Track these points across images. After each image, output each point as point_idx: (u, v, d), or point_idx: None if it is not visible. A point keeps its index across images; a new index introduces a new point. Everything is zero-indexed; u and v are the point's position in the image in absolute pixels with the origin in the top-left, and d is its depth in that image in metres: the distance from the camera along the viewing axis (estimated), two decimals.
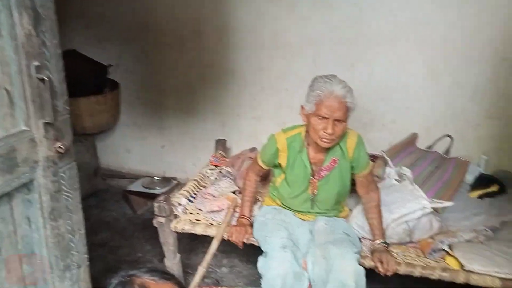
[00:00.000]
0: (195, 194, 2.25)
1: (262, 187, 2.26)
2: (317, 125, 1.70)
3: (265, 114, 3.00)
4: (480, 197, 2.34)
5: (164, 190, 2.95)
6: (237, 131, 3.12)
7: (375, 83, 2.68)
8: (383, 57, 2.62)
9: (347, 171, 1.88)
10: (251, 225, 1.97)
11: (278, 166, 1.94)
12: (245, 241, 1.90)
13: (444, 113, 2.63)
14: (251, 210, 2.01)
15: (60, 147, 1.20)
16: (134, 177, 3.36)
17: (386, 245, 1.83)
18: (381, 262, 1.75)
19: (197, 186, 2.33)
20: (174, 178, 3.24)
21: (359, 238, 1.95)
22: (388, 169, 2.30)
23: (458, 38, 2.46)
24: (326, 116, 1.66)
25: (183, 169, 3.40)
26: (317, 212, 1.95)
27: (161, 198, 1.92)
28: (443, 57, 2.53)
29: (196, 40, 2.97)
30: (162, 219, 1.93)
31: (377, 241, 1.84)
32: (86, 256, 1.34)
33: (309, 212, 1.95)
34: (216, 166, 2.65)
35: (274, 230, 1.80)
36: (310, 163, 1.85)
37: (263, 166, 1.97)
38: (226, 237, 1.94)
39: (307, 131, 1.83)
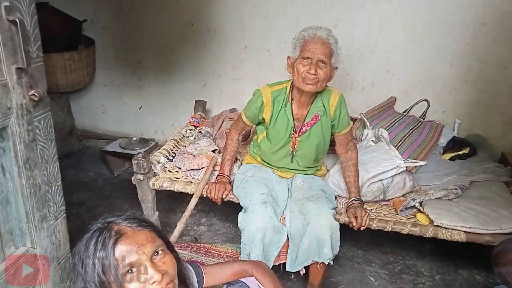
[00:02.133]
0: (174, 153, 2.24)
1: (242, 147, 2.26)
2: (301, 67, 1.72)
3: (247, 75, 2.97)
4: (452, 159, 2.43)
5: (142, 150, 2.91)
6: (218, 92, 3.08)
7: (356, 45, 2.68)
8: (365, 19, 2.61)
9: (328, 128, 1.90)
10: (230, 183, 1.99)
11: (262, 122, 1.94)
12: (224, 197, 1.92)
13: (422, 78, 2.67)
14: (231, 169, 2.03)
15: (34, 94, 1.16)
16: (111, 138, 3.31)
17: (361, 202, 1.89)
18: (356, 217, 1.81)
19: (176, 145, 2.32)
20: (152, 140, 3.21)
21: (335, 196, 2.00)
22: (366, 131, 2.34)
23: (440, 2, 2.46)
24: (310, 56, 1.69)
25: (162, 131, 3.37)
26: (296, 169, 1.98)
27: (140, 155, 1.91)
28: (424, 21, 2.53)
29: None
30: (140, 176, 1.92)
31: (353, 198, 1.89)
32: (63, 207, 1.33)
33: (288, 168, 1.98)
34: (195, 126, 2.63)
35: (255, 187, 1.82)
36: (293, 118, 1.87)
37: (247, 122, 1.96)
38: (205, 194, 1.95)
39: (292, 86, 1.84)
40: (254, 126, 2.01)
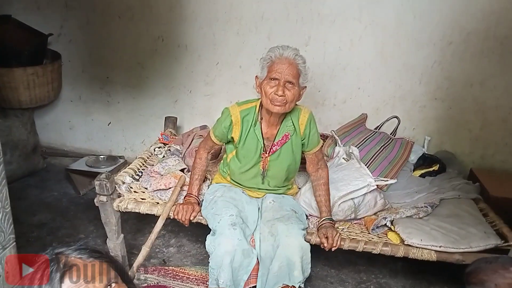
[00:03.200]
0: (141, 172, 2.16)
1: (212, 166, 2.21)
2: (268, 88, 1.70)
3: (219, 91, 2.93)
4: (422, 175, 2.44)
5: (109, 169, 2.82)
6: (190, 108, 3.03)
7: (328, 62, 2.68)
8: (336, 36, 2.62)
9: (298, 147, 1.88)
10: (199, 203, 1.93)
11: (231, 141, 1.90)
12: (191, 219, 1.85)
13: (393, 95, 2.70)
14: (199, 189, 1.96)
15: None
16: (78, 156, 3.20)
17: (332, 222, 1.86)
18: (327, 238, 1.77)
19: (143, 164, 2.24)
20: (121, 157, 3.11)
21: (306, 216, 1.96)
22: (337, 148, 2.32)
23: (409, 21, 2.50)
24: (277, 77, 1.67)
25: (132, 148, 3.27)
26: (267, 189, 1.94)
27: (103, 175, 1.82)
28: (393, 39, 2.57)
29: (146, 10, 2.82)
30: (103, 198, 1.83)
31: (324, 218, 1.86)
32: (12, 236, 1.24)
33: (258, 188, 1.94)
34: (165, 144, 2.56)
35: (223, 208, 1.76)
36: (263, 137, 1.83)
37: (216, 141, 1.92)
38: (172, 216, 1.88)
39: (261, 105, 1.81)
40: (224, 144, 1.97)
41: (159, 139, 2.55)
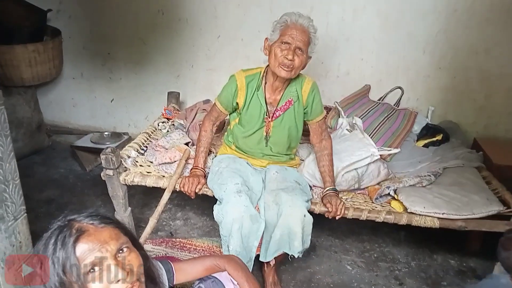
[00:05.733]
0: (145, 146, 2.17)
1: (216, 139, 2.22)
2: (279, 51, 1.72)
3: (221, 65, 2.90)
4: (426, 145, 2.45)
5: (114, 145, 2.84)
6: (192, 83, 3.02)
7: (331, 34, 2.65)
8: (339, 7, 2.58)
9: (300, 115, 1.89)
10: (205, 176, 1.95)
11: (235, 109, 1.92)
12: (197, 191, 1.88)
13: (396, 65, 2.67)
14: (205, 161, 1.98)
15: None
16: (82, 133, 3.20)
17: (336, 192, 1.88)
18: (331, 206, 1.80)
19: (147, 138, 2.26)
20: (126, 133, 3.13)
21: (310, 187, 1.98)
22: (340, 120, 2.32)
23: None
24: (289, 41, 1.70)
25: (135, 124, 3.28)
26: (270, 155, 1.96)
27: (108, 150, 1.84)
28: (397, 8, 2.52)
29: None
30: (110, 172, 1.85)
31: (328, 188, 1.88)
32: (23, 207, 1.26)
33: (262, 154, 1.95)
34: (168, 119, 2.56)
35: (229, 177, 1.79)
36: (266, 102, 1.86)
37: (221, 109, 1.93)
38: (178, 188, 1.90)
39: (266, 71, 1.84)
40: (228, 114, 1.98)
41: (163, 114, 2.56)
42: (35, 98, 2.96)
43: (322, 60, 2.71)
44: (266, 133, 1.90)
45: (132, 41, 2.97)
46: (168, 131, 2.36)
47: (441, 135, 2.45)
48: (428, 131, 2.50)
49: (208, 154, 2.08)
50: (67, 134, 3.30)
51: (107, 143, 2.87)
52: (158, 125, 2.41)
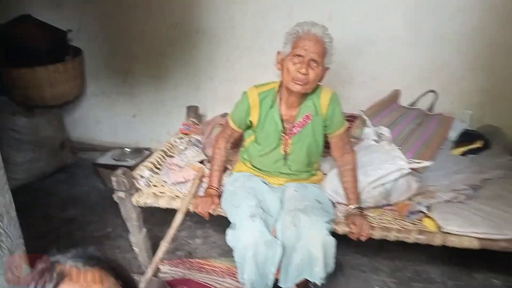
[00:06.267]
0: (160, 165, 2.10)
1: (233, 155, 2.12)
2: (291, 65, 1.60)
3: (240, 76, 2.82)
4: (464, 154, 2.23)
5: (135, 161, 2.80)
6: (212, 95, 2.95)
7: (353, 37, 2.49)
8: (361, 8, 2.42)
9: (320, 129, 1.77)
10: (220, 195, 1.85)
11: (250, 126, 1.83)
12: (211, 212, 1.78)
13: (427, 67, 2.48)
14: (220, 180, 1.88)
15: None
16: (106, 149, 3.20)
17: (360, 210, 1.73)
18: (355, 227, 1.64)
19: (163, 156, 2.19)
20: (147, 149, 3.09)
21: (333, 203, 1.84)
22: (366, 129, 2.16)
23: None
24: (302, 54, 1.57)
25: (157, 139, 3.24)
26: (289, 174, 1.84)
27: (119, 171, 1.78)
28: (425, 6, 2.33)
29: None
30: (122, 194, 1.79)
31: (352, 206, 1.73)
32: (21, 241, 1.21)
33: (280, 173, 1.84)
34: (186, 134, 2.50)
35: (243, 199, 1.68)
36: (282, 119, 1.75)
37: (235, 128, 1.84)
38: (192, 209, 1.82)
39: (280, 86, 1.73)
40: (243, 131, 1.88)
41: (181, 130, 2.49)
42: (58, 117, 2.99)
43: (346, 66, 2.56)
44: (285, 152, 1.78)
45: (151, 56, 2.94)
46: (186, 147, 2.28)
47: (481, 141, 2.22)
48: (466, 137, 2.27)
49: (224, 171, 1.98)
50: (92, 151, 3.32)
51: (128, 159, 2.85)
52: (175, 142, 2.33)
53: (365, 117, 2.20)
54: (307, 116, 1.73)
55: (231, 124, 1.84)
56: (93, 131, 3.35)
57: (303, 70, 1.56)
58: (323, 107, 1.72)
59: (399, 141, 2.17)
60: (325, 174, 2.00)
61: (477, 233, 1.58)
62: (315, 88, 1.72)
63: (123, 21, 2.89)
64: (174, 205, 1.84)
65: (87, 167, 3.11)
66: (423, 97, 2.51)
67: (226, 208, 1.74)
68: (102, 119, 3.29)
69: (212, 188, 1.84)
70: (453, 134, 2.33)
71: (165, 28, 2.81)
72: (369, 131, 2.13)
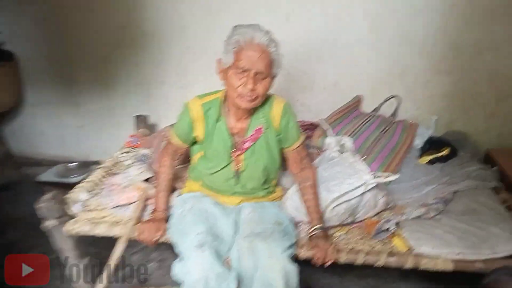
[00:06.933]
0: (99, 185, 1.86)
1: (182, 172, 1.90)
2: (236, 80, 1.41)
3: (194, 80, 2.61)
4: (431, 162, 2.11)
5: (82, 177, 2.52)
6: (164, 103, 2.72)
7: (313, 40, 2.34)
8: (321, 9, 2.27)
9: (275, 143, 1.60)
10: (167, 219, 1.63)
11: (195, 141, 1.63)
12: (157, 239, 1.56)
13: (390, 71, 2.36)
14: (166, 201, 1.67)
15: None
16: (53, 163, 2.90)
17: (324, 231, 1.56)
18: (318, 251, 1.47)
19: (105, 175, 1.94)
20: (98, 162, 2.81)
21: (296, 223, 1.66)
22: (328, 139, 2.00)
23: None
24: (246, 67, 1.38)
25: (108, 151, 2.96)
26: (244, 192, 1.65)
27: (48, 196, 1.53)
28: (387, 6, 2.21)
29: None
30: (52, 222, 1.54)
31: (314, 227, 1.56)
32: None
33: (234, 192, 1.65)
34: (136, 147, 2.26)
35: (191, 225, 1.47)
36: (231, 133, 1.57)
37: (179, 144, 1.65)
38: (135, 237, 1.59)
39: (226, 96, 1.53)
40: (189, 146, 1.68)
41: (127, 143, 2.25)
42: None
43: (306, 71, 2.40)
44: (237, 169, 1.60)
45: (96, 62, 2.68)
46: (133, 163, 2.05)
47: (448, 148, 2.12)
48: (432, 144, 2.17)
49: (173, 191, 1.77)
50: (37, 165, 3.00)
51: (74, 175, 2.58)
52: (121, 156, 2.09)
53: (326, 125, 2.05)
54: (258, 129, 1.56)
55: (174, 139, 1.64)
56: (37, 144, 3.04)
57: (250, 86, 1.39)
58: (275, 119, 1.56)
59: (363, 151, 2.03)
60: (287, 188, 1.82)
61: (452, 253, 1.45)
62: (267, 100, 1.56)
63: (62, 23, 2.60)
64: (114, 232, 1.60)
65: (32, 184, 2.80)
66: (386, 102, 2.38)
67: (173, 235, 1.52)
68: (46, 131, 2.98)
69: (158, 212, 1.62)
70: (419, 142, 2.22)
71: (109, 31, 2.56)
72: (331, 141, 1.97)
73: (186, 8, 2.39)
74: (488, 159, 2.16)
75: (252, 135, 1.55)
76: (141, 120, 2.46)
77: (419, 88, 2.34)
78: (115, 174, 1.95)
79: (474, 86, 2.28)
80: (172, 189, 1.77)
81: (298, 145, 1.62)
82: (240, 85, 1.40)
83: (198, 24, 2.43)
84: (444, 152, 2.11)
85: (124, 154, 2.11)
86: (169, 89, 2.66)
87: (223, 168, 1.59)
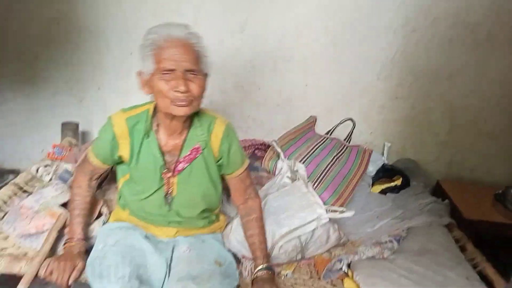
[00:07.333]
0: (4, 206, 1.54)
1: (112, 193, 1.64)
2: (164, 85, 1.19)
3: (135, 87, 2.32)
4: (383, 191, 2.02)
5: None
6: (100, 109, 2.42)
7: (269, 53, 2.19)
8: (279, 19, 2.12)
9: (214, 166, 1.40)
10: (85, 252, 1.35)
11: (121, 161, 1.39)
12: (71, 281, 1.28)
13: (347, 92, 2.26)
14: (84, 229, 1.39)
15: None
16: None
17: (270, 271, 1.37)
18: None
19: (15, 194, 1.62)
20: (14, 171, 2.45)
21: (239, 259, 1.46)
22: (280, 163, 1.84)
23: (366, 3, 2.06)
24: (172, 67, 1.17)
25: (31, 158, 2.59)
26: (179, 222, 1.42)
27: None
28: (348, 25, 2.12)
29: None
30: None
31: (258, 267, 1.37)
32: None
33: (168, 221, 1.41)
34: (60, 159, 1.94)
35: (113, 266, 1.21)
36: (162, 152, 1.33)
37: (97, 164, 1.39)
38: (42, 276, 1.30)
39: (156, 108, 1.31)
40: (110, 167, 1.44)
41: (48, 154, 1.93)
42: None
43: (259, 85, 2.24)
44: (167, 193, 1.37)
45: (21, 56, 2.33)
46: (51, 179, 1.74)
47: (400, 178, 2.04)
48: (385, 173, 2.08)
49: (98, 217, 1.50)
50: None
51: None
52: (37, 171, 1.77)
53: (278, 149, 1.88)
54: (196, 148, 1.34)
55: (92, 158, 1.39)
56: None
57: (182, 88, 1.17)
58: (215, 141, 1.36)
59: (316, 176, 1.88)
60: (230, 217, 1.62)
61: None
62: (205, 115, 1.36)
63: None
64: (17, 268, 1.30)
65: None
66: (340, 125, 2.27)
67: (91, 277, 1.26)
68: None
69: (72, 243, 1.34)
70: (372, 169, 2.12)
71: (39, 23, 2.24)
72: (282, 166, 1.81)
73: (130, 7, 2.15)
74: (437, 190, 2.12)
75: (187, 155, 1.33)
76: (69, 128, 2.15)
77: (374, 112, 2.26)
78: (27, 193, 1.63)
79: (428, 113, 2.24)
80: (98, 215, 1.51)
81: (241, 172, 1.43)
82: (169, 89, 1.18)
83: (143, 26, 2.15)
84: (397, 182, 2.02)
85: (43, 169, 1.79)
86: (107, 95, 2.37)
87: (153, 192, 1.36)
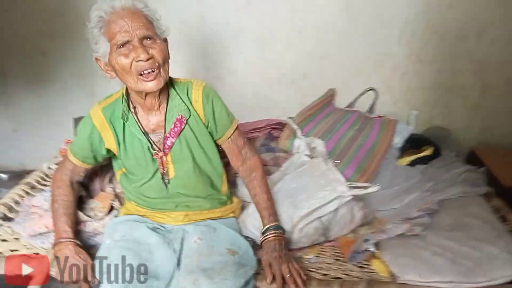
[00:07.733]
0: (16, 206, 1.52)
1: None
2: (125, 59, 1.12)
3: None
4: (412, 163, 1.87)
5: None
6: None
7: (279, 25, 2.06)
8: None
9: (205, 135, 1.32)
10: (81, 247, 1.27)
11: (110, 155, 1.35)
12: (90, 279, 1.22)
13: (366, 61, 2.12)
14: (71, 227, 1.29)
15: None
16: None
17: (279, 233, 1.28)
18: (273, 274, 1.19)
19: (27, 193, 1.60)
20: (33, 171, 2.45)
21: (257, 245, 1.37)
22: (297, 141, 1.73)
23: None
24: (126, 38, 1.11)
25: (49, 157, 2.60)
26: (187, 205, 1.36)
27: None
28: None
29: None
30: None
31: (266, 227, 1.30)
32: None
33: (175, 205, 1.35)
34: None
35: (118, 262, 1.16)
36: (145, 131, 1.27)
37: (77, 163, 1.35)
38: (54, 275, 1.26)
39: (127, 90, 1.26)
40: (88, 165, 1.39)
41: (61, 151, 1.90)
42: None
43: (271, 61, 2.11)
44: (162, 174, 1.31)
45: (28, 54, 2.31)
46: None
47: (430, 147, 1.88)
48: (413, 143, 1.92)
49: (109, 211, 1.45)
50: None
51: (2, 189, 2.20)
52: (49, 169, 1.74)
53: (294, 126, 1.77)
54: (179, 119, 1.26)
55: (71, 157, 1.34)
56: None
57: (143, 55, 1.09)
58: (197, 106, 1.28)
59: (337, 153, 1.77)
60: (247, 202, 1.53)
61: (442, 282, 1.20)
62: (177, 83, 1.28)
63: None
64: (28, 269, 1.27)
65: None
66: (361, 96, 2.12)
67: (98, 273, 1.20)
68: None
69: (62, 241, 1.25)
70: (398, 140, 1.96)
71: (43, 16, 2.20)
72: (300, 144, 1.70)
73: None
74: (471, 159, 1.95)
75: (172, 129, 1.26)
76: None
77: (397, 80, 2.10)
78: (38, 191, 1.60)
79: (456, 76, 2.07)
80: (110, 209, 1.46)
81: (231, 132, 1.34)
82: (131, 61, 1.11)
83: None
84: (426, 152, 1.87)
85: (55, 166, 1.75)
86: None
87: (152, 177, 1.31)
